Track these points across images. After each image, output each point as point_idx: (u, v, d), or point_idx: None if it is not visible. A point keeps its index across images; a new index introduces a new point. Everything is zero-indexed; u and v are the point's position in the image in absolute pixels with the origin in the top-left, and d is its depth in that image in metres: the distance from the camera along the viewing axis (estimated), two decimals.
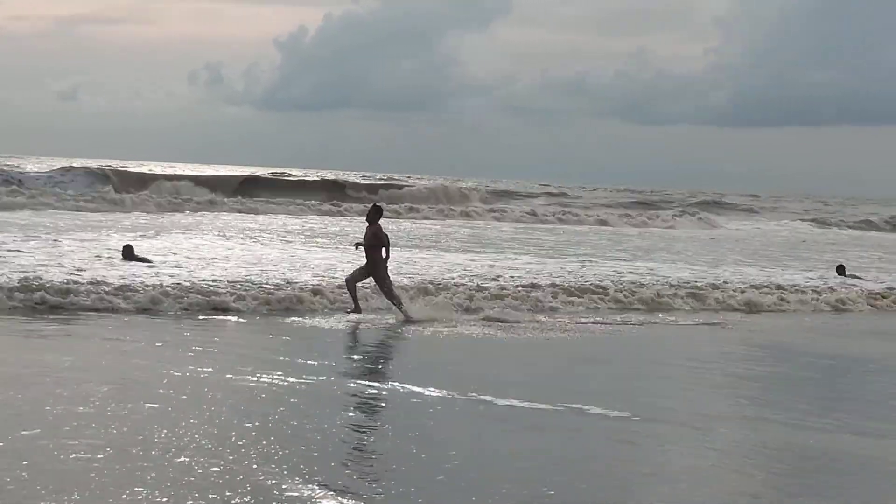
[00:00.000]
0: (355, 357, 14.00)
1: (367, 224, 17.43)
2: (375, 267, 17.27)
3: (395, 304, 17.18)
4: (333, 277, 19.80)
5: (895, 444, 10.15)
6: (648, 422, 10.38)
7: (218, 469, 7.82)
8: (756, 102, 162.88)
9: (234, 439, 8.68)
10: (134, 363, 12.05)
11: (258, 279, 19.23)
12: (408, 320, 16.71)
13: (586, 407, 10.77)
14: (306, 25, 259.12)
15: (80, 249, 22.55)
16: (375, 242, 17.29)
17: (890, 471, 9.19)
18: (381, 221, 17.63)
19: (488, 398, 10.95)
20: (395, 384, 11.61)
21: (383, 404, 10.80)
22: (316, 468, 8.00)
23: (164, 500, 7.06)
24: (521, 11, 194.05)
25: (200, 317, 16.28)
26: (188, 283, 18.09)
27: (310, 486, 7.54)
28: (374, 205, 18.21)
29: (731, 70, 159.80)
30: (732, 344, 16.86)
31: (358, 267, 17.75)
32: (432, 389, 11.23)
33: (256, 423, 9.25)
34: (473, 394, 11.11)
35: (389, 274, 17.55)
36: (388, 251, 17.33)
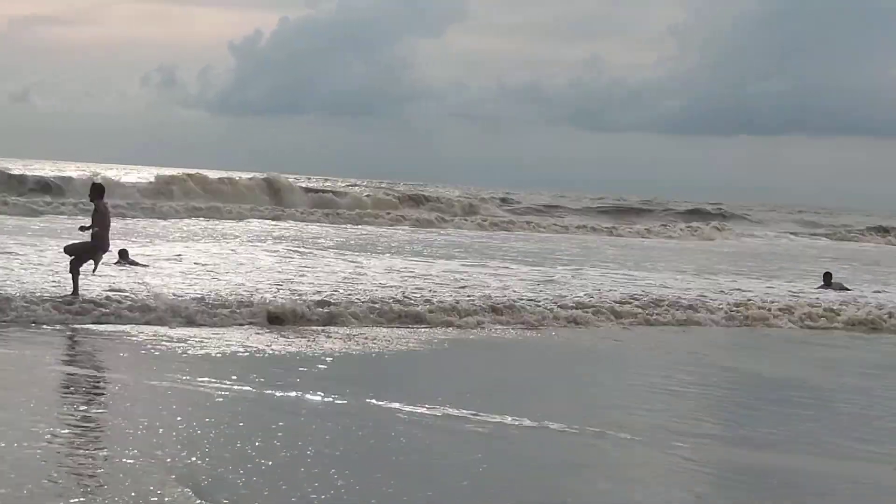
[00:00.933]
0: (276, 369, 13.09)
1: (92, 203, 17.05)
2: (102, 244, 17.01)
3: (74, 276, 16.80)
4: None
5: (862, 466, 9.75)
6: (599, 437, 10.02)
7: None
8: (708, 111, 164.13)
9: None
10: None
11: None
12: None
13: (534, 421, 10.41)
14: (261, 29, 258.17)
15: None
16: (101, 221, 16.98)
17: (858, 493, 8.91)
18: None
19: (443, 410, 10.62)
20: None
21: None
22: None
23: None
24: (475, 18, 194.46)
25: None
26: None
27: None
28: (94, 183, 17.94)
29: (684, 78, 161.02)
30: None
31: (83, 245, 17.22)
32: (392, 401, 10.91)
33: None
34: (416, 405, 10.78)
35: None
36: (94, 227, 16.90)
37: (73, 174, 56.27)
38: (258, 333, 15.17)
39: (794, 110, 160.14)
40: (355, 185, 75.47)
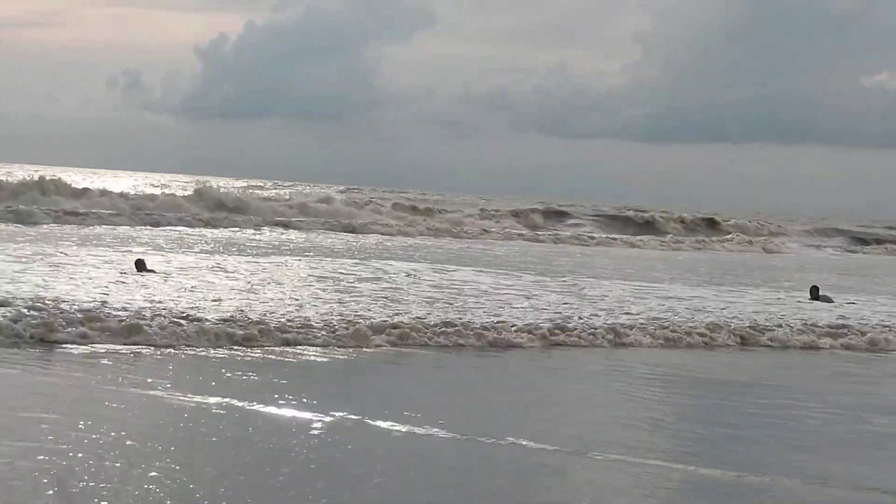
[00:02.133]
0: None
1: None
2: None
3: None
4: None
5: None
6: (573, 454, 9.80)
7: None
8: (673, 119, 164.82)
9: None
10: None
11: None
12: None
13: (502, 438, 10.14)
14: (227, 33, 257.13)
15: None
16: None
17: None
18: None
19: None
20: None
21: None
22: None
23: None
24: (443, 24, 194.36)
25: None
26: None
27: None
28: None
29: (650, 86, 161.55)
30: None
31: None
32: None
33: None
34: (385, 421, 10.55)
35: None
36: None
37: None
38: None
39: (759, 119, 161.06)
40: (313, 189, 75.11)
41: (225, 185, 68.92)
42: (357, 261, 28.42)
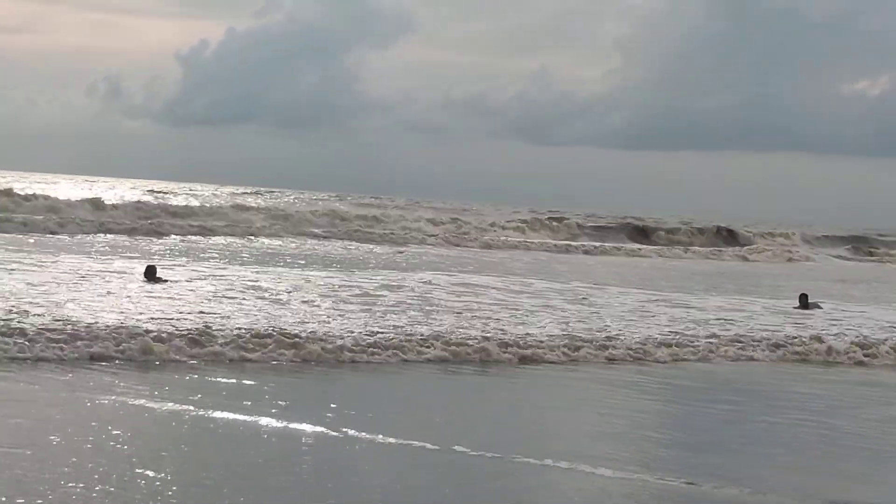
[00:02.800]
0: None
1: None
2: None
3: None
4: None
5: None
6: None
7: None
8: (654, 126, 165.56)
9: None
10: None
11: None
12: None
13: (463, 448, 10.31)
14: (208, 39, 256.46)
15: None
16: None
17: None
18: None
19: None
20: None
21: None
22: None
23: None
24: (423, 31, 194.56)
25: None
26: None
27: None
28: None
29: (630, 93, 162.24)
30: None
31: None
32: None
33: None
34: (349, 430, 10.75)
35: None
36: None
37: None
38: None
39: (740, 126, 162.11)
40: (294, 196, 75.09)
41: (209, 191, 69.36)
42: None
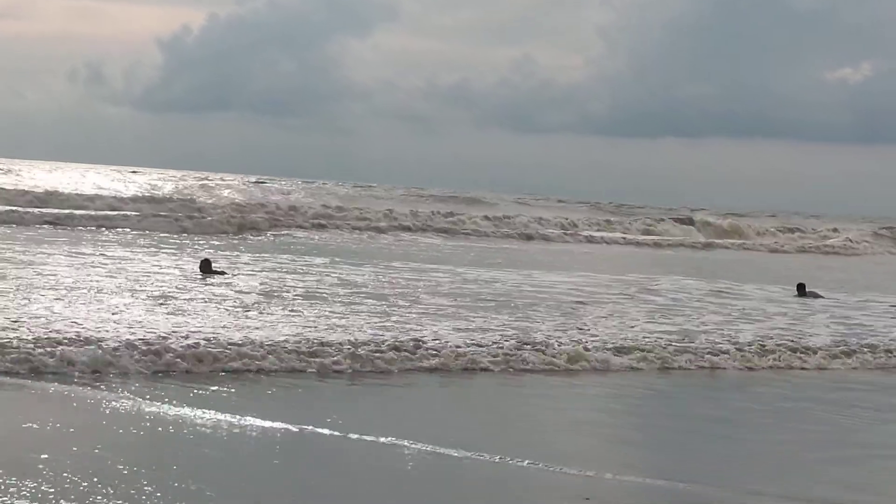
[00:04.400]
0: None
1: None
2: None
3: None
4: None
5: None
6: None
7: None
8: (635, 113, 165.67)
9: None
10: None
11: None
12: None
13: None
14: (189, 25, 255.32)
15: None
16: None
17: None
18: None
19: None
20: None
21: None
22: None
23: None
24: (405, 18, 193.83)
25: None
26: None
27: None
28: None
29: (612, 81, 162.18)
30: None
31: None
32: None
33: None
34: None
35: None
36: None
37: None
38: None
39: (723, 113, 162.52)
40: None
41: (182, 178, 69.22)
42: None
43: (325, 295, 20.27)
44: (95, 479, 8.72)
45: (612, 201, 73.79)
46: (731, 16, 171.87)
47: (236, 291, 19.96)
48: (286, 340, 15.02)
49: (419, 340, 15.91)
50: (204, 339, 14.55)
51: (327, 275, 24.05)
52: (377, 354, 14.97)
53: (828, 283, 31.41)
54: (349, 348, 14.99)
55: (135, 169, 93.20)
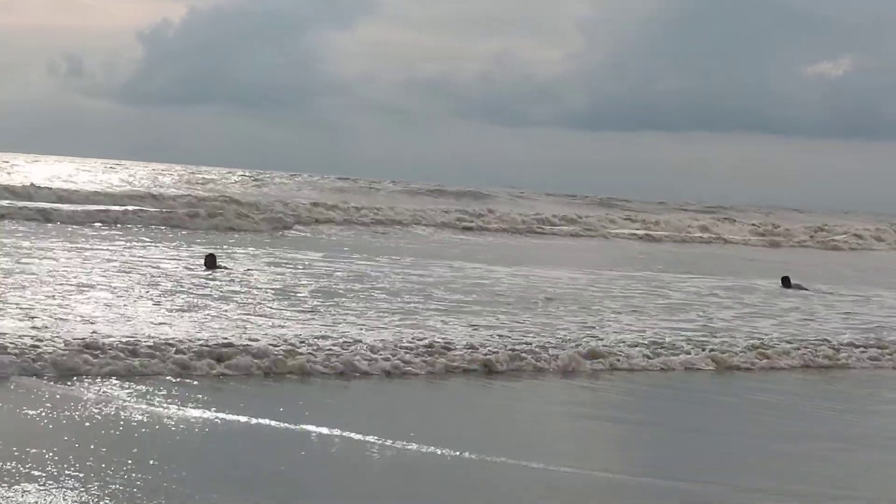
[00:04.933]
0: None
1: None
2: None
3: None
4: None
5: None
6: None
7: None
8: (615, 108, 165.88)
9: None
10: None
11: None
12: None
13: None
14: (169, 18, 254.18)
15: None
16: None
17: None
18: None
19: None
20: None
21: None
22: None
23: None
24: (386, 11, 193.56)
25: None
26: None
27: None
28: None
29: (592, 75, 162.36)
30: None
31: None
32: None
33: None
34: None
35: None
36: None
37: None
38: None
39: (702, 107, 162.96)
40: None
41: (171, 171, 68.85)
42: None
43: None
44: (92, 475, 8.73)
45: (588, 195, 73.72)
46: (711, 10, 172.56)
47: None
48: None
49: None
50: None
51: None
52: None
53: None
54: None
55: (117, 162, 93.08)
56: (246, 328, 15.52)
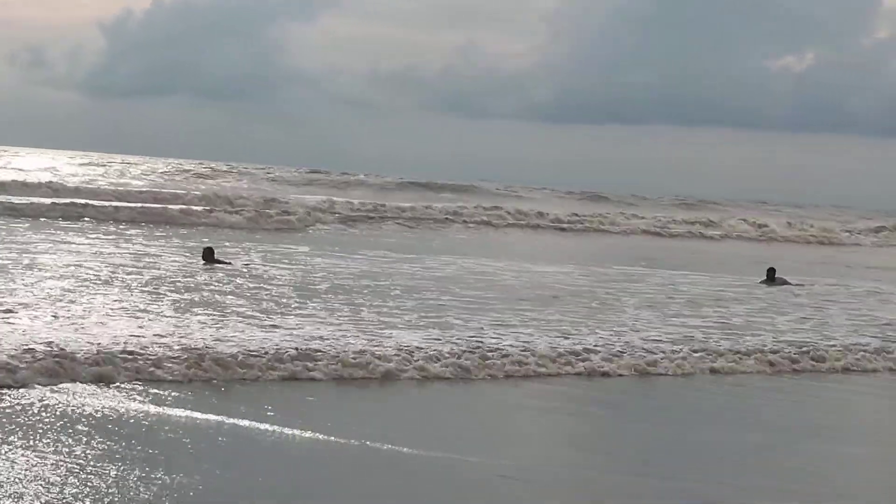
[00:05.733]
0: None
1: None
2: None
3: None
4: None
5: None
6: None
7: None
8: (580, 100, 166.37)
9: None
10: None
11: None
12: None
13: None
14: (132, 8, 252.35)
15: None
16: None
17: None
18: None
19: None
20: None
21: None
22: None
23: None
24: (350, 3, 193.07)
25: None
26: None
27: None
28: None
29: (557, 67, 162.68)
30: None
31: None
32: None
33: None
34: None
35: None
36: None
37: None
38: None
39: (666, 101, 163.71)
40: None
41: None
42: None
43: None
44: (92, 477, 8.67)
45: (555, 188, 73.88)
46: (676, 3, 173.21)
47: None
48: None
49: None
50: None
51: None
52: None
53: None
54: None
55: (83, 153, 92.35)
56: (244, 330, 15.10)
